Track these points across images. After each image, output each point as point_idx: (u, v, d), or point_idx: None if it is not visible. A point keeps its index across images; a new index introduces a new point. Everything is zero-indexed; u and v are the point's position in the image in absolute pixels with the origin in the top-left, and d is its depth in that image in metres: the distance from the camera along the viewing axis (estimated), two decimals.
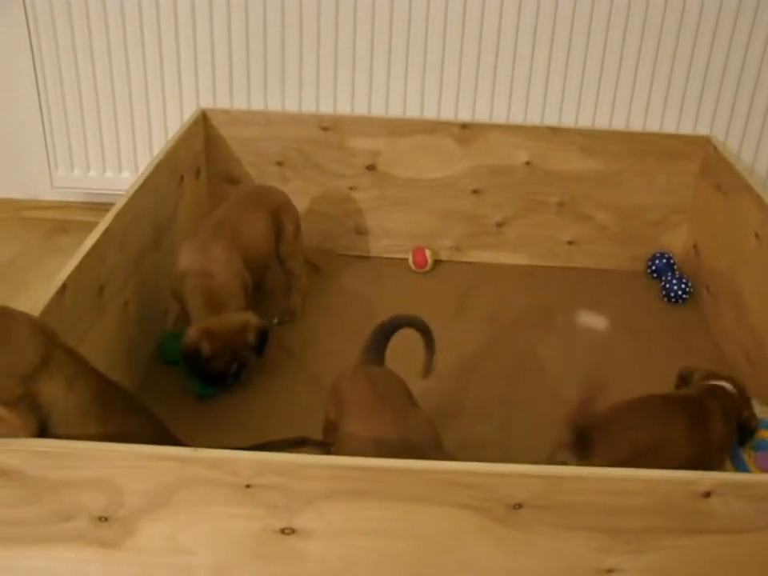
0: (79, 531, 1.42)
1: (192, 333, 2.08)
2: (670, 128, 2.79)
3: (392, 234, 2.82)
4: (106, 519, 1.41)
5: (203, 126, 2.68)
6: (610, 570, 1.45)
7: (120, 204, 2.05)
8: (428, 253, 2.75)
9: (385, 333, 1.83)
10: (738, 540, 1.43)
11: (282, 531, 1.41)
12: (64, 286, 1.72)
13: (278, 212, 2.44)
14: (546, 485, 1.35)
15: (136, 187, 2.14)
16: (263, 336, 2.15)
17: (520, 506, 1.37)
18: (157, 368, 2.26)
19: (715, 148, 2.62)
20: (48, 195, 3.02)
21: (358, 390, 1.71)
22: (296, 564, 1.45)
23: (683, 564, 1.46)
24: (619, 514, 1.39)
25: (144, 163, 2.79)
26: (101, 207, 2.81)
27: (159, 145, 2.76)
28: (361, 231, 2.81)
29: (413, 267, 2.77)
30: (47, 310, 1.63)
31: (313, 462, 1.36)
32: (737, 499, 1.38)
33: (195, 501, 1.39)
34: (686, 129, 2.79)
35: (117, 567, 1.46)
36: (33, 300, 1.68)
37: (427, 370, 1.88)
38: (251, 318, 2.14)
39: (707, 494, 1.37)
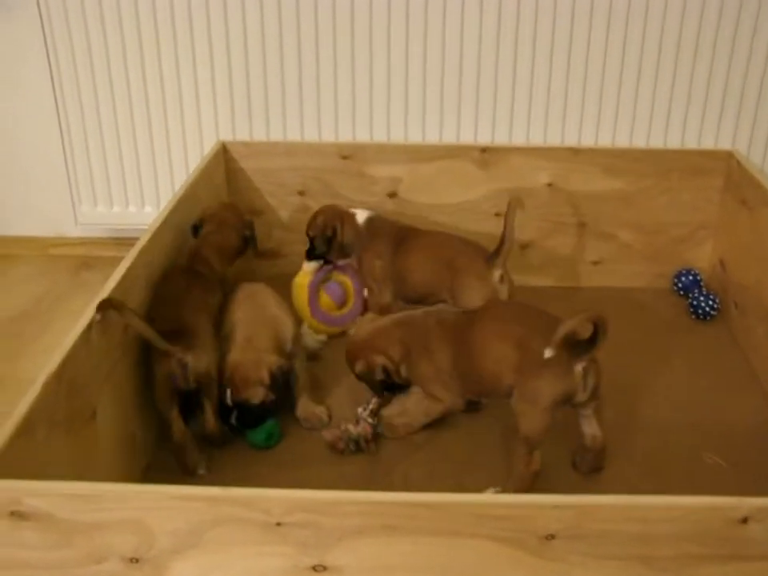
0: (111, 573, 1.42)
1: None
2: (691, 143, 2.77)
3: None
4: (137, 560, 1.41)
5: (223, 158, 2.69)
6: None
7: (142, 241, 2.06)
8: None
9: None
10: None
11: (314, 568, 1.40)
12: (89, 326, 1.72)
13: None
14: (577, 514, 1.34)
15: (159, 223, 2.16)
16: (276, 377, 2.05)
17: (552, 536, 1.35)
18: None
19: (738, 162, 2.59)
20: (73, 232, 3.05)
21: None
22: None
23: None
24: (653, 541, 1.37)
25: (166, 197, 2.80)
26: (125, 242, 2.83)
27: (181, 178, 2.77)
28: None
29: None
30: (74, 349, 1.65)
31: (343, 498, 1.35)
32: None
33: (226, 540, 1.39)
34: (708, 144, 2.77)
35: None
36: (59, 338, 1.68)
37: None
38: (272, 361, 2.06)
39: (744, 520, 1.35)
